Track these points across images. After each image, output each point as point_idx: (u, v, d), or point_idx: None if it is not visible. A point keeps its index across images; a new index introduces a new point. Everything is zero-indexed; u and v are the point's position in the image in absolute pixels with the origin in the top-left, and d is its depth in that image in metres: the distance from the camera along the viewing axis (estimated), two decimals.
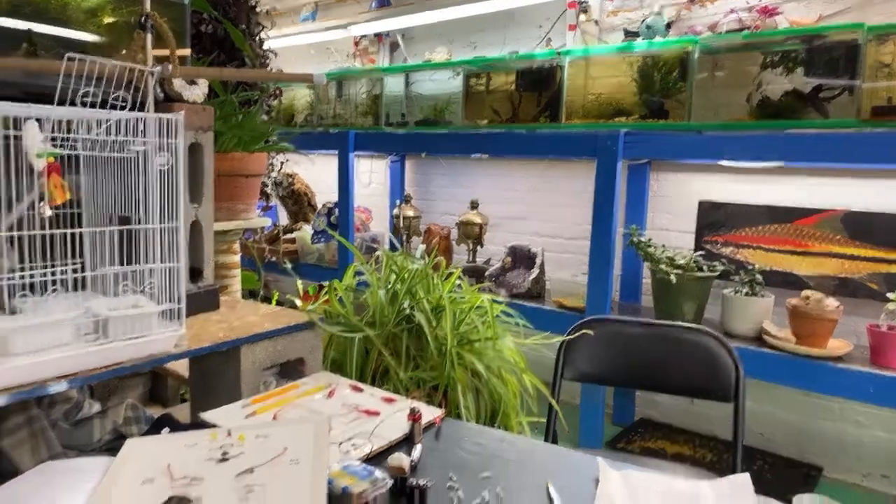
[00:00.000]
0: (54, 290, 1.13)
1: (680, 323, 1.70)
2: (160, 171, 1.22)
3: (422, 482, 0.87)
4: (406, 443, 1.08)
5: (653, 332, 1.65)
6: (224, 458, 0.93)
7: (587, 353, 1.65)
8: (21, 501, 0.82)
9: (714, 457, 2.70)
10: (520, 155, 3.15)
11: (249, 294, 3.01)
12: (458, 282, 1.78)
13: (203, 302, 1.50)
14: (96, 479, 0.89)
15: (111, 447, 1.20)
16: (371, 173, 3.94)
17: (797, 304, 2.17)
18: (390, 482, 0.89)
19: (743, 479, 0.95)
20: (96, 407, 1.50)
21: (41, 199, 1.07)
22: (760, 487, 0.93)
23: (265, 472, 0.90)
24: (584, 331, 1.63)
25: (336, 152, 3.33)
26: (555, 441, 1.61)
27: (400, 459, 0.93)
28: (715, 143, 2.28)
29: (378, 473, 0.89)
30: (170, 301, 1.21)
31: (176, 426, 1.03)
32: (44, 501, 0.82)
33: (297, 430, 1.01)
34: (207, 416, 1.12)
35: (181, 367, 1.81)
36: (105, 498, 0.85)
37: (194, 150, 1.50)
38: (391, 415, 1.14)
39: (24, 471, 0.92)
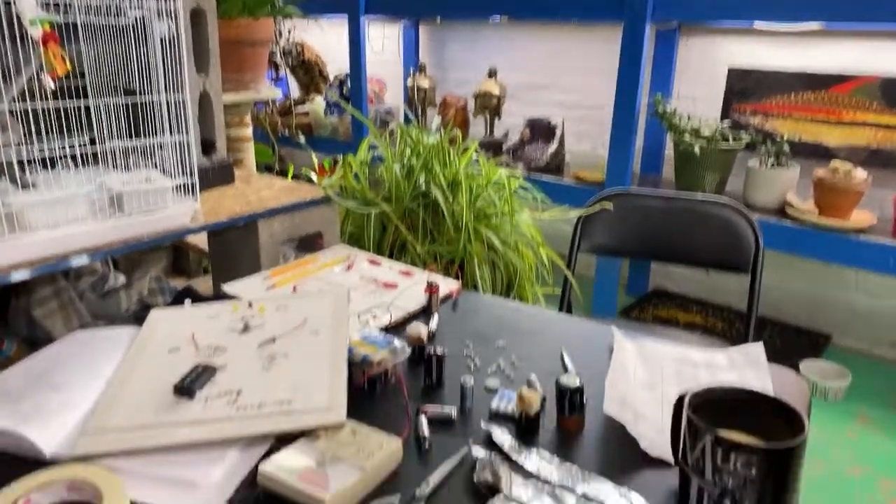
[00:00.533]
0: (65, 166, 1.11)
1: (701, 196, 1.66)
2: (162, 39, 1.16)
3: (439, 351, 0.89)
4: (424, 314, 1.10)
5: (673, 206, 1.62)
6: (246, 329, 0.95)
7: (605, 226, 1.63)
8: (55, 366, 0.85)
9: (726, 326, 2.76)
10: (540, 17, 2.96)
11: (265, 168, 2.98)
12: (474, 156, 1.74)
13: (217, 176, 1.48)
14: (125, 347, 0.92)
15: (138, 317, 1.23)
16: (384, 39, 3.76)
17: (824, 175, 2.11)
18: (409, 351, 0.91)
19: (756, 348, 0.96)
20: (122, 279, 1.54)
21: (41, 69, 1.02)
22: (769, 355, 0.94)
23: (286, 342, 0.91)
24: (602, 204, 1.61)
25: (346, 16, 3.16)
26: (569, 311, 1.64)
27: (418, 329, 0.95)
28: (751, 0, 2.11)
29: (397, 342, 0.91)
30: (183, 175, 1.20)
31: (198, 298, 1.05)
32: (77, 366, 0.85)
33: (317, 302, 1.02)
34: (228, 287, 1.14)
35: (201, 240, 1.83)
36: (133, 365, 0.87)
37: (197, 16, 1.42)
38: (409, 287, 1.15)
39: (57, 338, 0.96)
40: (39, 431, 0.73)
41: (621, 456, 0.75)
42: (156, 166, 1.20)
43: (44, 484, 0.65)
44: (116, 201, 1.10)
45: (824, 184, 2.11)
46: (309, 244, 1.53)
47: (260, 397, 0.79)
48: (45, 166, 1.09)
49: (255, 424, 0.75)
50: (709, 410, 0.65)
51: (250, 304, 1.02)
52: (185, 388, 0.79)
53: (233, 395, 0.79)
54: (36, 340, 1.32)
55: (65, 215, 1.06)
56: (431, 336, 1.02)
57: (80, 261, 1.07)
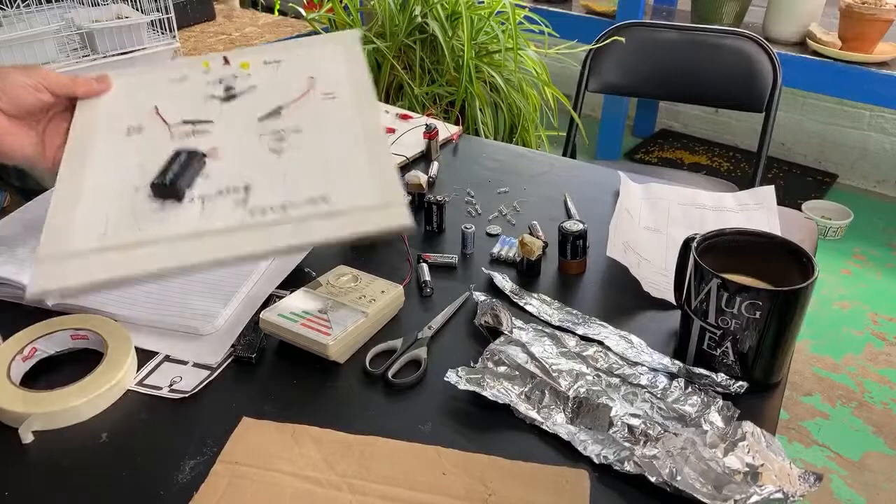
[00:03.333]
0: (27, 3, 1.01)
1: (719, 27, 1.54)
2: None
3: (439, 198, 0.86)
4: (423, 160, 1.06)
5: (689, 38, 1.51)
6: (230, 96, 0.67)
7: (616, 63, 1.53)
8: None
9: (731, 166, 2.72)
10: None
11: (250, 3, 2.78)
12: None
13: (196, 11, 1.37)
14: None
15: None
16: None
17: (852, 2, 1.95)
18: (408, 198, 0.89)
19: (766, 191, 0.93)
20: None
21: None
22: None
23: (295, 113, 0.65)
24: (613, 38, 1.50)
25: None
26: (573, 155, 1.60)
27: (417, 176, 0.92)
28: None
29: None
30: (157, 11, 1.10)
31: None
32: None
33: (319, 51, 0.73)
34: None
35: None
36: (82, 157, 0.61)
37: None
38: (407, 132, 1.10)
39: (50, 188, 0.93)
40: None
41: (622, 299, 0.75)
42: (126, 1, 1.10)
43: (48, 332, 0.66)
44: (87, 40, 1.02)
45: (850, 11, 1.96)
46: None
47: (281, 195, 0.57)
48: (9, 3, 0.99)
49: (286, 233, 0.54)
50: (715, 253, 0.64)
51: (226, 60, 0.71)
52: (169, 186, 0.56)
53: (240, 193, 0.57)
54: (28, 191, 1.29)
55: (34, 57, 0.98)
56: (431, 183, 0.99)
57: None
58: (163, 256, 0.53)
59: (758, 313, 0.59)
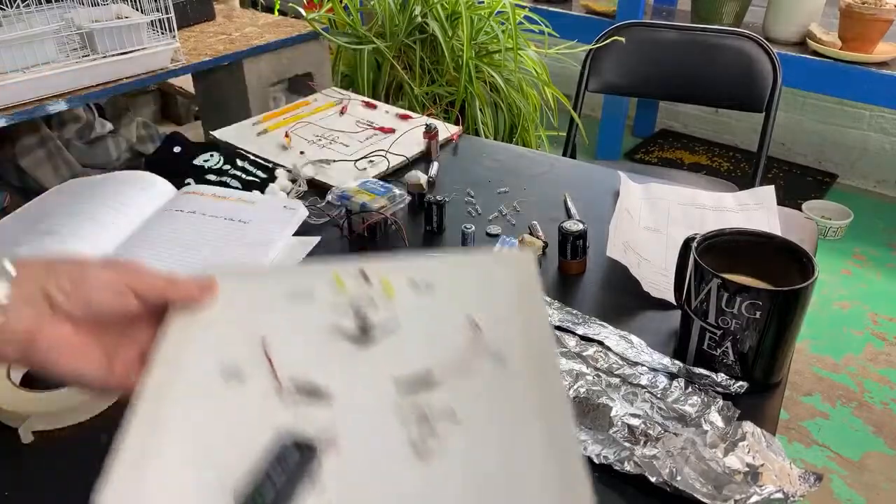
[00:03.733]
0: (26, 3, 1.01)
1: (719, 27, 1.54)
2: None
3: (439, 198, 0.86)
4: (423, 160, 1.06)
5: (689, 38, 1.51)
6: (365, 335, 0.48)
7: (616, 63, 1.54)
8: (50, 213, 0.83)
9: (731, 166, 2.72)
10: None
11: (250, 3, 2.78)
12: None
13: (196, 11, 1.37)
14: (121, 190, 0.87)
15: (129, 166, 1.20)
16: None
17: (852, 2, 1.95)
18: (408, 198, 0.89)
19: (766, 191, 0.93)
20: (108, 126, 1.48)
21: None
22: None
23: (449, 380, 0.45)
24: (613, 38, 1.50)
25: None
26: (573, 155, 1.60)
27: (417, 176, 0.92)
28: None
29: (396, 190, 0.88)
30: (157, 11, 1.10)
31: (186, 144, 1.00)
32: (71, 212, 0.83)
33: (485, 279, 0.52)
34: (218, 134, 1.09)
35: (190, 85, 1.74)
36: (157, 413, 0.44)
37: None
38: (407, 132, 1.10)
39: (49, 189, 0.93)
40: None
41: (622, 299, 0.75)
42: (126, 1, 1.10)
43: None
44: (87, 40, 1.02)
45: (850, 11, 1.96)
46: (300, 87, 1.45)
47: None
48: (8, 3, 0.99)
49: None
50: (715, 253, 0.64)
51: (365, 275, 0.52)
52: None
53: None
54: (28, 191, 1.29)
55: (34, 57, 0.98)
56: (431, 183, 0.99)
57: (58, 106, 1.02)
58: None
59: (758, 313, 0.59)
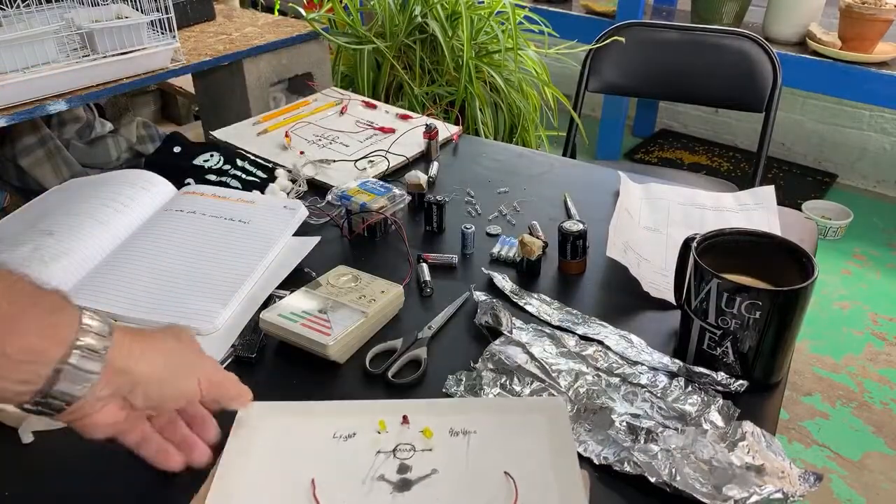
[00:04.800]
0: (26, 3, 1.01)
1: (719, 27, 1.54)
2: None
3: (439, 198, 0.86)
4: (423, 160, 1.06)
5: (689, 38, 1.52)
6: (405, 482, 0.52)
7: (615, 63, 1.54)
8: (50, 213, 0.82)
9: (731, 166, 2.72)
10: None
11: (250, 3, 2.78)
12: None
13: (196, 11, 1.37)
14: (120, 190, 0.87)
15: (130, 166, 1.20)
16: None
17: (852, 2, 1.95)
18: (408, 198, 0.89)
19: (766, 191, 0.93)
20: (108, 126, 1.48)
21: None
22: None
23: None
24: (613, 38, 1.50)
25: None
26: (573, 155, 1.60)
27: (417, 176, 0.92)
28: None
29: (396, 190, 0.88)
30: (157, 11, 1.10)
31: (186, 144, 1.00)
32: (72, 212, 0.82)
33: (519, 428, 0.56)
34: (218, 134, 1.09)
35: (190, 85, 1.74)
36: None
37: None
38: (407, 132, 1.10)
39: (49, 189, 0.93)
40: (40, 279, 0.72)
41: (622, 299, 0.75)
42: (126, 1, 1.10)
43: None
44: (87, 41, 1.02)
45: (850, 12, 1.96)
46: (300, 87, 1.45)
47: None
48: (8, 4, 0.99)
49: None
50: (715, 253, 0.64)
51: (406, 420, 0.57)
52: None
53: None
54: (28, 191, 1.29)
55: (34, 57, 0.98)
56: (431, 183, 0.99)
57: (58, 106, 1.02)
58: None
59: (758, 313, 0.59)
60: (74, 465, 0.55)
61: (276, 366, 0.66)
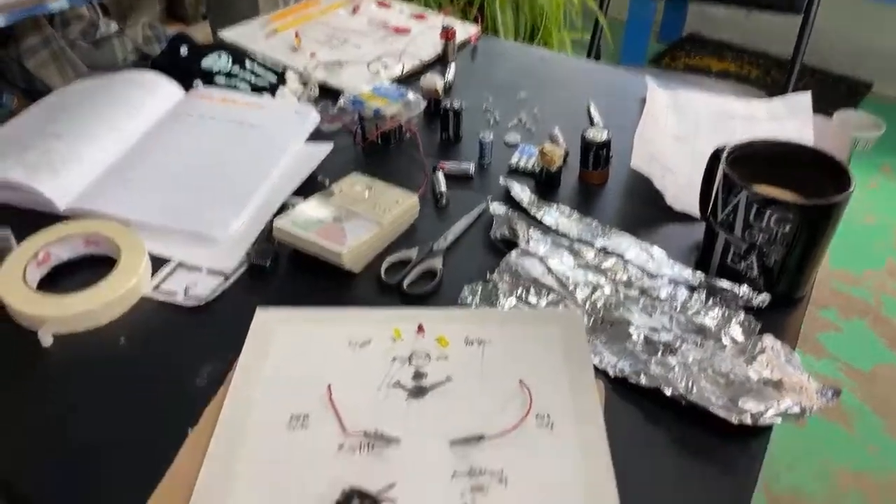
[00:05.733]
0: None
1: None
2: None
3: (456, 104, 0.82)
4: (439, 63, 1.01)
5: None
6: (420, 389, 0.52)
7: None
8: (58, 115, 0.80)
9: (761, 74, 2.60)
10: None
11: None
12: None
13: None
14: (129, 92, 0.84)
15: (137, 66, 1.15)
16: None
17: None
18: (423, 104, 0.85)
19: (802, 98, 0.88)
20: (113, 26, 1.42)
21: None
22: None
23: (500, 448, 0.48)
24: None
25: None
26: (597, 59, 1.52)
27: (433, 81, 0.88)
28: None
29: (410, 95, 0.84)
30: None
31: (193, 45, 0.96)
32: (80, 115, 0.80)
33: (534, 338, 0.56)
34: (226, 33, 1.05)
35: None
36: (233, 443, 0.48)
37: None
38: (422, 32, 1.04)
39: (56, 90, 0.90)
40: (51, 184, 0.71)
41: (644, 211, 0.73)
42: None
43: (61, 238, 0.65)
44: None
45: None
46: None
47: None
48: None
49: None
50: (746, 164, 0.61)
51: (421, 329, 0.57)
52: None
53: None
54: (35, 93, 1.26)
55: None
56: (448, 88, 0.95)
57: (60, 4, 0.97)
58: None
59: (787, 227, 0.56)
60: (94, 369, 0.55)
61: (291, 274, 0.65)
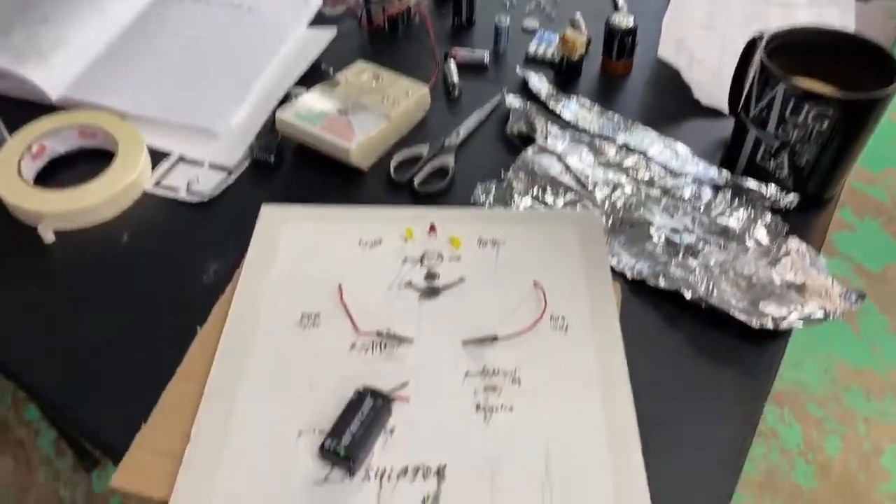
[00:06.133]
0: None
1: None
2: None
3: None
4: None
5: None
6: (432, 289, 0.51)
7: None
8: None
9: None
10: None
11: None
12: None
13: None
14: None
15: None
16: None
17: None
18: None
19: None
20: None
21: None
22: None
23: (514, 349, 0.47)
24: None
25: None
26: None
27: None
28: None
29: None
30: None
31: None
32: None
33: (550, 238, 0.54)
34: None
35: None
36: (244, 344, 0.47)
37: None
38: None
39: None
40: (41, 72, 0.67)
41: (669, 105, 0.68)
42: None
43: (55, 129, 0.62)
44: None
45: None
46: None
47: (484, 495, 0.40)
48: None
49: None
50: (783, 55, 0.56)
51: (433, 229, 0.54)
52: (343, 458, 0.40)
53: (430, 484, 0.41)
54: None
55: None
56: None
57: None
58: None
59: (825, 124, 0.53)
60: (98, 265, 0.54)
61: (297, 170, 0.63)
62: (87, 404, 0.46)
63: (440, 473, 0.41)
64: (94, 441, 0.44)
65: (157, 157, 0.63)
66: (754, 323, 0.48)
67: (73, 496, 1.08)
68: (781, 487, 1.12)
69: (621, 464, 0.41)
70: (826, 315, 0.48)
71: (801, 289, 0.50)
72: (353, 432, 0.41)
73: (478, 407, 0.44)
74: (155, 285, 0.53)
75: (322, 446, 0.41)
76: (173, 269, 0.54)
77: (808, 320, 0.48)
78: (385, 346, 0.47)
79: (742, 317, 0.48)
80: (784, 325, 0.48)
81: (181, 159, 0.63)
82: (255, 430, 0.43)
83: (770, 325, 0.48)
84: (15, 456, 1.12)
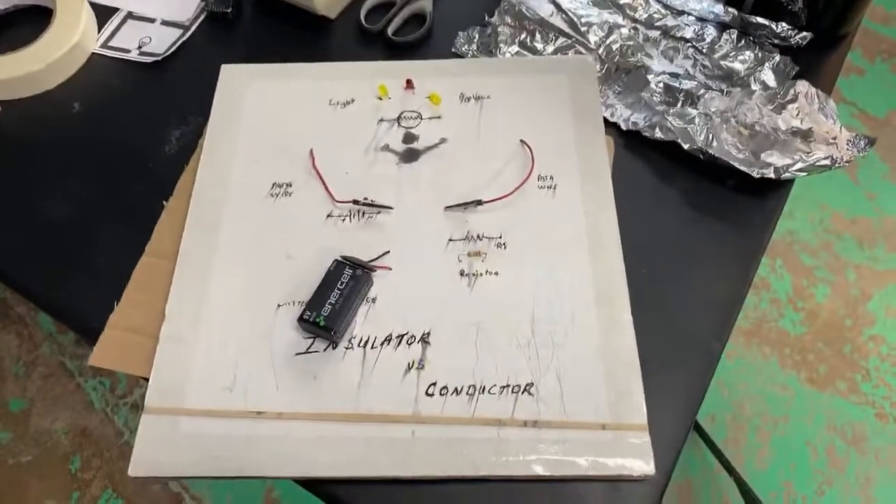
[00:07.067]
0: None
1: None
2: None
3: None
4: None
5: None
6: (412, 152, 0.47)
7: None
8: None
9: None
10: None
11: None
12: None
13: None
14: None
15: None
16: None
17: None
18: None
19: None
20: None
21: None
22: None
23: (498, 213, 0.44)
24: None
25: None
26: None
27: None
28: None
29: None
30: None
31: None
32: None
33: (538, 88, 0.49)
34: None
35: None
36: (213, 215, 0.45)
37: None
38: None
39: None
40: None
41: None
42: None
43: None
44: None
45: None
46: None
47: (467, 366, 0.39)
48: None
49: (475, 456, 0.37)
50: None
51: (410, 84, 0.50)
52: (323, 328, 0.39)
53: (414, 351, 0.40)
54: None
55: None
56: None
57: None
58: (298, 463, 0.37)
59: None
60: (49, 138, 0.50)
61: (258, 23, 0.57)
62: (55, 287, 0.44)
63: (425, 339, 0.40)
64: (68, 323, 0.43)
65: (103, 15, 0.56)
66: (755, 173, 0.45)
67: (80, 367, 1.10)
68: (769, 335, 1.15)
69: (609, 324, 0.40)
70: (833, 163, 0.45)
71: (806, 135, 0.47)
72: (332, 303, 0.40)
73: (462, 273, 0.42)
74: (114, 159, 0.49)
75: (301, 317, 0.40)
76: (132, 139, 0.50)
77: (812, 168, 0.45)
78: (363, 214, 0.45)
79: (743, 167, 0.45)
80: (786, 174, 0.45)
81: (130, 15, 0.57)
82: (231, 306, 0.42)
83: (771, 175, 0.45)
84: (18, 333, 1.14)
